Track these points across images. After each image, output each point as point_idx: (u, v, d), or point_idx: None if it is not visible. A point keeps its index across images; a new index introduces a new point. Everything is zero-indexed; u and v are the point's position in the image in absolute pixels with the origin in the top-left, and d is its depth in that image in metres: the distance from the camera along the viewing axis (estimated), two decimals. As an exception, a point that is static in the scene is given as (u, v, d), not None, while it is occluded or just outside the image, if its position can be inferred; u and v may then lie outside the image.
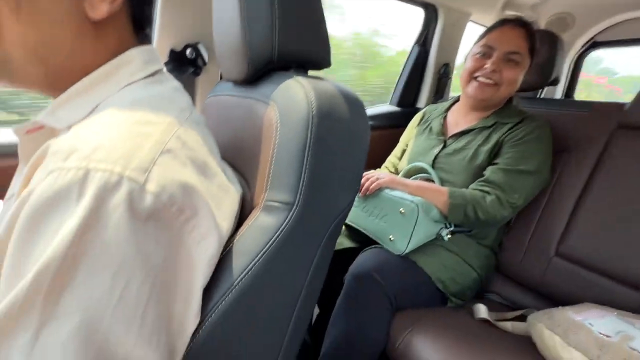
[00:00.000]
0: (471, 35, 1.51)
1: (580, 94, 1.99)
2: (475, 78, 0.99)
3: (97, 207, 0.26)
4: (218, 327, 0.37)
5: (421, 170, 1.05)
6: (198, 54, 0.90)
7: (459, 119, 1.08)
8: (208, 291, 0.37)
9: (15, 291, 0.25)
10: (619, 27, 1.61)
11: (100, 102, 0.36)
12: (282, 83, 0.46)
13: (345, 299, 0.85)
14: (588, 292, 0.88)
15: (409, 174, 1.08)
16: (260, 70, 0.49)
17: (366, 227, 0.98)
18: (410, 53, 1.52)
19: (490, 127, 0.99)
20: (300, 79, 0.45)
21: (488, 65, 0.97)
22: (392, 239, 0.90)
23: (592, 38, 1.72)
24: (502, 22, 1.00)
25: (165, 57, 0.88)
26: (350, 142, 0.45)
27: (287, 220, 0.40)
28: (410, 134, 1.20)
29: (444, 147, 1.04)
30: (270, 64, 0.48)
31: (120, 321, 0.27)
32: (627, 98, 1.04)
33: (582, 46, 1.77)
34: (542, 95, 1.79)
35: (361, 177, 0.49)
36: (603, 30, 1.65)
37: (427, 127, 1.14)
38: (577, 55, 1.82)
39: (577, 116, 1.04)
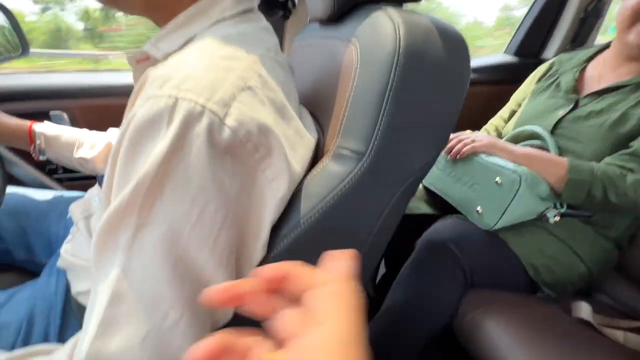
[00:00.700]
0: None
1: None
2: None
3: (182, 134, 0.29)
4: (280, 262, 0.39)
5: (533, 135, 0.88)
6: (288, -5, 0.87)
7: (605, 72, 0.86)
8: (275, 228, 0.38)
9: (121, 195, 0.30)
10: None
11: (194, 36, 0.38)
12: (369, 17, 0.41)
13: (413, 264, 0.81)
14: None
15: (516, 140, 0.91)
16: (347, 4, 0.45)
17: (450, 194, 0.88)
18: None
19: None
20: (390, 10, 0.40)
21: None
22: (479, 211, 0.79)
23: None
24: None
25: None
26: (441, 90, 0.40)
27: (355, 171, 0.38)
28: (526, 91, 1.01)
29: (574, 108, 0.85)
30: None
31: (196, 240, 0.31)
32: None
33: None
34: None
35: (449, 134, 0.45)
36: None
37: (553, 82, 0.93)
38: None
39: None
